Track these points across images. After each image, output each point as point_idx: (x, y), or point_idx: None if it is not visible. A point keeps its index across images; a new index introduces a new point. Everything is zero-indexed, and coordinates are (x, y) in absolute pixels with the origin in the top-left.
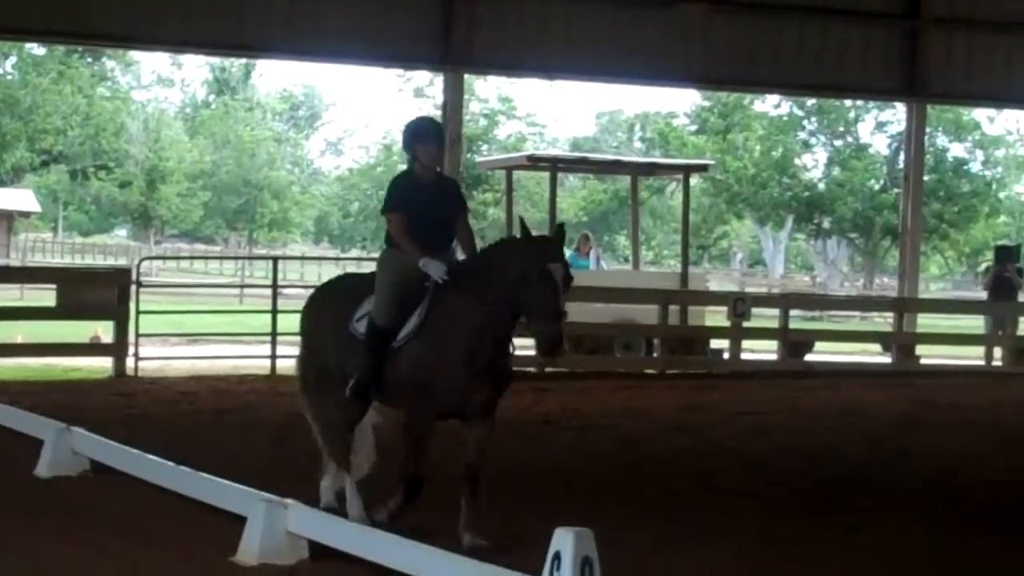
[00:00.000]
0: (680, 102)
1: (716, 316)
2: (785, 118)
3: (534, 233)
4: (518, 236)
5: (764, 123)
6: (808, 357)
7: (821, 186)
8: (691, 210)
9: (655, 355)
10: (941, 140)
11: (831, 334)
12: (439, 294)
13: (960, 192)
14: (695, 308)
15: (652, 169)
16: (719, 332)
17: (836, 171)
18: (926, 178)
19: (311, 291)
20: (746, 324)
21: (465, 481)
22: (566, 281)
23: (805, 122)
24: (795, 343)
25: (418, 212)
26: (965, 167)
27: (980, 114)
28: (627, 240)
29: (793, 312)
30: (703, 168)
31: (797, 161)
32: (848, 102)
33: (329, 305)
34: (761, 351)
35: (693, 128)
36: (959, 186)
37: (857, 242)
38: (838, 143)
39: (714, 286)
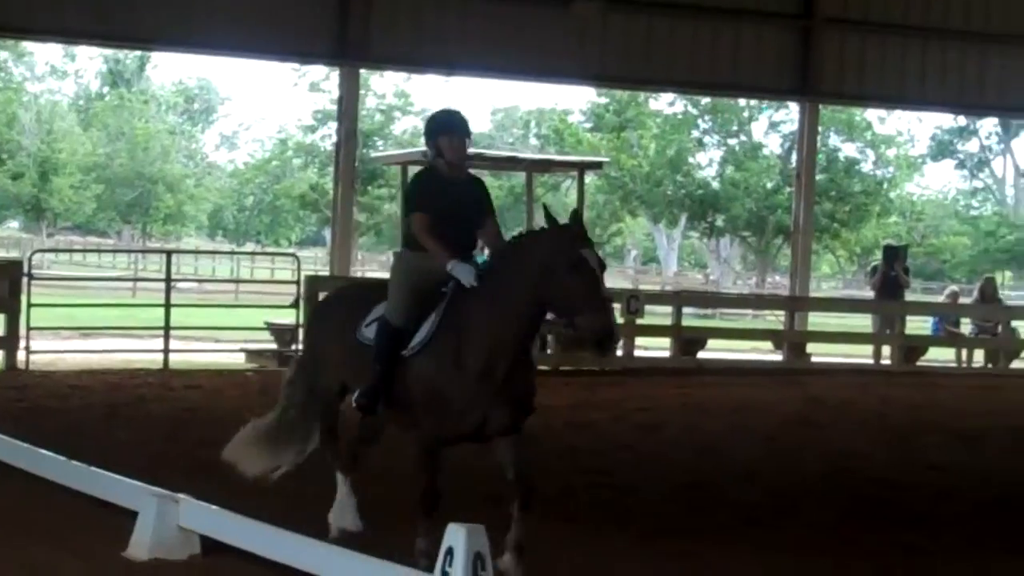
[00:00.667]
0: (575, 99)
1: None
2: (679, 117)
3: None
4: (537, 228)
5: (659, 121)
6: (701, 354)
7: (715, 185)
8: (585, 207)
9: (549, 352)
10: (833, 140)
11: (723, 332)
12: (455, 300)
13: (851, 192)
14: None
15: (547, 166)
16: None
17: (730, 170)
18: (818, 178)
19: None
20: (639, 321)
21: (518, 498)
22: (601, 269)
23: (699, 121)
24: (688, 340)
25: (442, 213)
26: (857, 167)
27: (872, 114)
28: None
29: (686, 310)
30: (598, 165)
31: (691, 160)
32: (742, 101)
33: (336, 312)
34: (654, 348)
35: (588, 125)
36: (851, 186)
37: (750, 241)
38: (732, 142)
39: (608, 283)
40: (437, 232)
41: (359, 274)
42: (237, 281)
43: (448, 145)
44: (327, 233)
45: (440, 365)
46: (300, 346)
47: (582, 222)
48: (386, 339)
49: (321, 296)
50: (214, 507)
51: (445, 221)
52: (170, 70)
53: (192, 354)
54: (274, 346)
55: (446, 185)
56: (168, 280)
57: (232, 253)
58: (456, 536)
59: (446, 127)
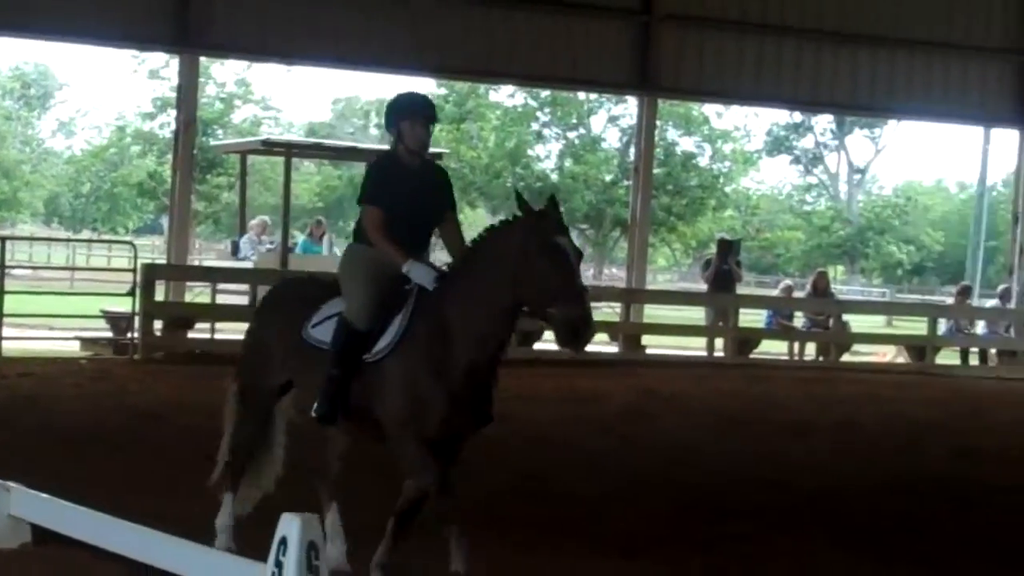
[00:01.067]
0: (416, 90)
1: None
2: (519, 109)
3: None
4: (510, 217)
5: (498, 113)
6: (537, 345)
7: (554, 177)
8: None
9: None
10: (671, 134)
11: None
12: (423, 298)
13: (688, 186)
14: None
15: None
16: None
17: (569, 162)
18: (656, 171)
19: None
20: None
21: (446, 521)
22: (578, 258)
23: (539, 113)
24: (526, 332)
25: (399, 205)
26: (694, 161)
27: (709, 109)
28: None
29: None
30: (437, 156)
31: (530, 152)
32: (582, 95)
33: (277, 310)
34: None
35: None
36: (688, 180)
37: (588, 233)
38: (571, 135)
39: None
40: (389, 229)
41: (196, 262)
42: (73, 268)
43: (410, 131)
44: (164, 221)
45: (416, 370)
46: (136, 334)
47: (558, 208)
48: (346, 342)
49: (160, 284)
50: (45, 495)
51: (402, 212)
52: (7, 55)
53: (26, 342)
54: (109, 334)
55: (405, 173)
56: (2, 267)
57: (68, 240)
58: (290, 526)
59: (408, 111)
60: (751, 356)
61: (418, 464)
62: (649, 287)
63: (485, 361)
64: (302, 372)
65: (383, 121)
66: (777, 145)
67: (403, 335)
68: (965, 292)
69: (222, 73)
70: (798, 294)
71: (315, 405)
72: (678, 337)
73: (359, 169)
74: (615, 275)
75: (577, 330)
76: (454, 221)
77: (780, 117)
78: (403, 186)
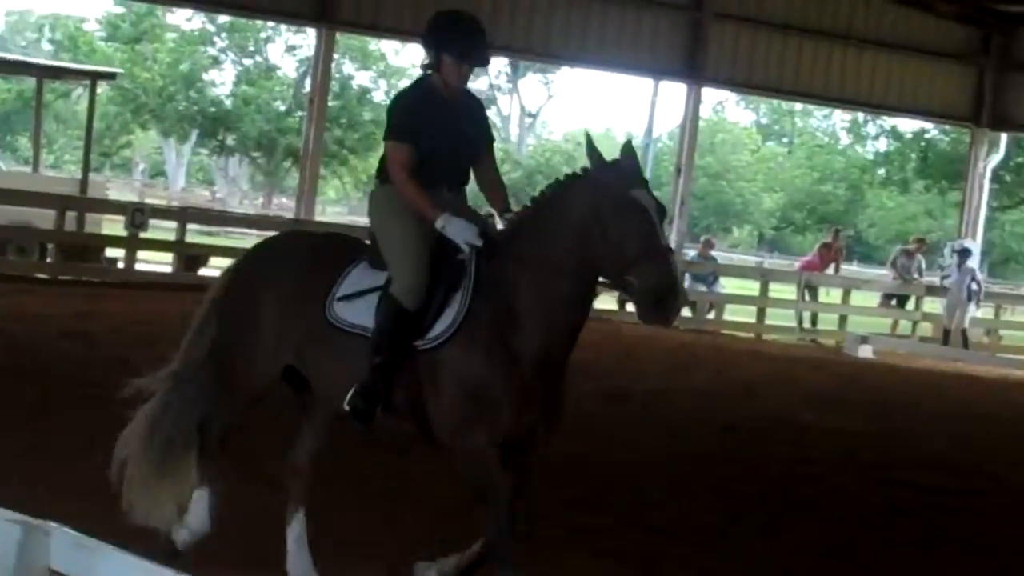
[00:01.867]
0: (92, 7)
1: (114, 225)
2: (196, 33)
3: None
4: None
5: (175, 36)
6: (203, 271)
7: (228, 103)
8: (96, 117)
9: (49, 260)
10: (348, 68)
11: (227, 250)
12: (483, 269)
13: (362, 120)
14: (93, 216)
15: (58, 73)
16: (116, 241)
17: (244, 89)
18: (331, 104)
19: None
20: (143, 235)
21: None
22: (660, 214)
23: (216, 38)
24: (191, 257)
25: (431, 143)
26: (368, 96)
27: (387, 46)
28: (29, 142)
29: (191, 226)
30: (110, 76)
31: (205, 76)
32: (260, 22)
33: (274, 272)
34: (156, 263)
35: (103, 35)
36: (361, 114)
37: (259, 161)
38: (247, 62)
39: (114, 195)
40: (416, 172)
41: None
42: None
43: (454, 69)
44: None
45: (487, 359)
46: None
47: (635, 157)
48: (397, 326)
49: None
50: None
51: (435, 154)
52: None
53: None
54: None
55: (440, 106)
56: None
57: None
58: None
59: (460, 49)
60: None
61: (490, 479)
62: (318, 218)
63: (560, 345)
64: (325, 362)
65: (421, 39)
66: None
67: (465, 317)
68: None
69: None
70: None
71: (348, 396)
72: None
73: (30, 84)
74: (284, 204)
75: (662, 299)
76: (492, 157)
77: None
78: (437, 121)
